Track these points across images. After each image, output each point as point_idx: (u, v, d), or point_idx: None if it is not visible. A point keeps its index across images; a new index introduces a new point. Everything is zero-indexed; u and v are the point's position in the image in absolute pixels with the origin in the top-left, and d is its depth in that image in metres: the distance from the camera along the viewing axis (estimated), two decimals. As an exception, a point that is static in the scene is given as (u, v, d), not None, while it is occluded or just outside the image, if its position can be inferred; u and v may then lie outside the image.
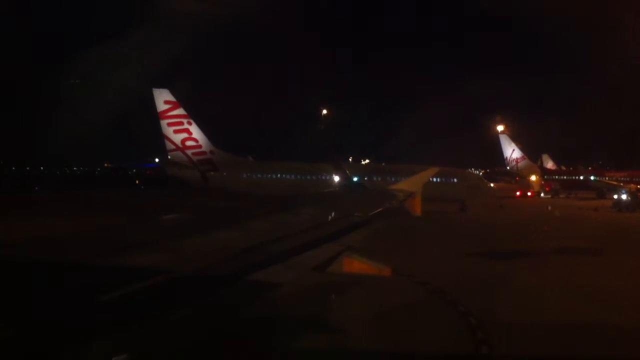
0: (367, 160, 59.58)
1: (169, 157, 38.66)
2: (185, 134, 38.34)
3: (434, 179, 38.46)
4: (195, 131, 38.64)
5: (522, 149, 63.12)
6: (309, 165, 39.08)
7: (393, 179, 37.47)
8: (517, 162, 61.84)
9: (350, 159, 50.58)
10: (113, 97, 38.74)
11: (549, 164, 70.46)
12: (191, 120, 38.62)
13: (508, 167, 62.50)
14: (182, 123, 38.36)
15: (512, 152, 62.30)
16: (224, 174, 38.42)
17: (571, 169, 65.62)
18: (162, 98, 37.99)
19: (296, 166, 39.36)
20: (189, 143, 38.41)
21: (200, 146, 38.65)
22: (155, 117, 37.95)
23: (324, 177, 34.51)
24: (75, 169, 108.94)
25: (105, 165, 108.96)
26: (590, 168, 66.25)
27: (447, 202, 36.60)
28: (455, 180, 38.76)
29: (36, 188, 58.55)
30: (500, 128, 63.45)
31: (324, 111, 56.95)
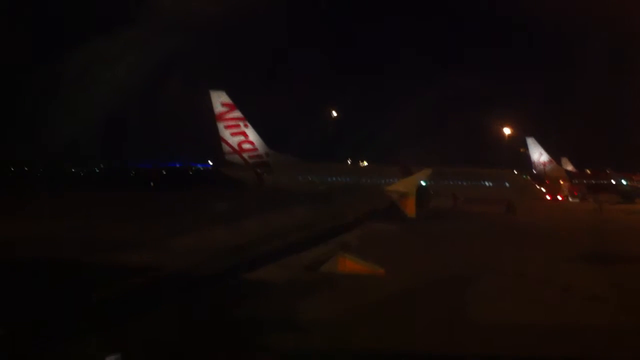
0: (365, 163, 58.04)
1: (225, 159, 39.02)
2: (242, 136, 38.73)
3: (485, 183, 39.35)
4: (251, 134, 39.03)
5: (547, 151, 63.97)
6: (370, 168, 39.49)
7: (460, 183, 38.09)
8: (544, 165, 62.75)
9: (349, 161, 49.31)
10: (108, 97, 38.57)
11: (569, 167, 71.40)
12: (247, 123, 39.02)
13: (535, 171, 63.31)
14: (239, 126, 38.74)
15: (539, 155, 63.20)
16: (280, 176, 38.69)
17: (600, 172, 66.45)
18: (220, 100, 38.35)
19: (357, 168, 39.60)
20: (246, 146, 38.80)
21: (256, 149, 39.03)
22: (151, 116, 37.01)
23: (386, 181, 34.81)
24: (73, 170, 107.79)
25: (102, 166, 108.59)
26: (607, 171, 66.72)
27: (496, 204, 37.40)
28: (506, 183, 39.59)
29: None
30: (507, 131, 63.84)
31: (334, 113, 57.02)
